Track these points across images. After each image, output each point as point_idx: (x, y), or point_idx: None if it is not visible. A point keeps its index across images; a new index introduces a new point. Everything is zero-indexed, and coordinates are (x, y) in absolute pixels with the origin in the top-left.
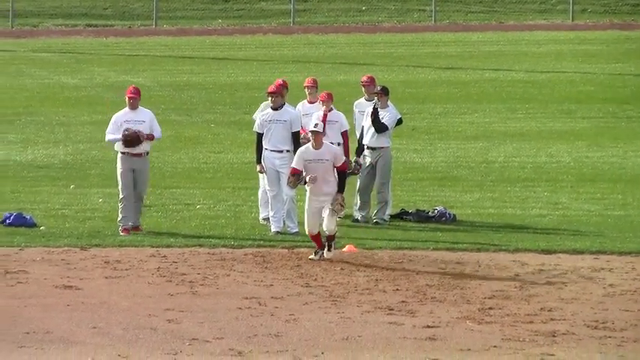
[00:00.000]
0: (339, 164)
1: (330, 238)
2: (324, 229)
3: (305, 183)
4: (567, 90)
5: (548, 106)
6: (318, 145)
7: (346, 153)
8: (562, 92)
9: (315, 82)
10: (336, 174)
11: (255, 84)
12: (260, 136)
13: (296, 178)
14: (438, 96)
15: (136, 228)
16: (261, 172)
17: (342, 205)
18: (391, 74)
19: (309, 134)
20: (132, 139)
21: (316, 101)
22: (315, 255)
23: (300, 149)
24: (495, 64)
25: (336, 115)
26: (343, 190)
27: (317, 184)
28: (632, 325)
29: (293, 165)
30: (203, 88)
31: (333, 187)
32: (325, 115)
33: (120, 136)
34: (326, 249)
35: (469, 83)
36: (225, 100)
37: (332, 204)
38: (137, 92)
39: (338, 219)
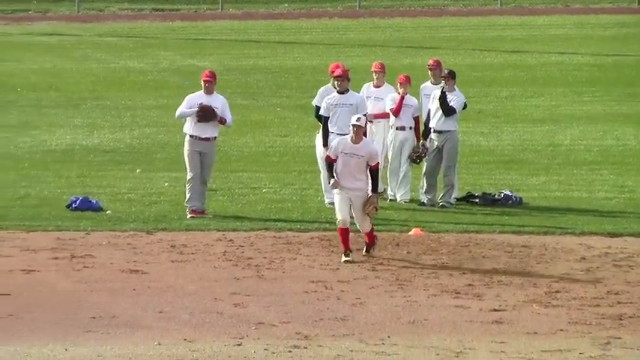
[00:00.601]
0: (373, 163)
1: (370, 243)
2: (359, 228)
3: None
4: (634, 73)
5: (614, 89)
6: (357, 140)
7: (417, 137)
8: (628, 75)
9: (382, 66)
10: (368, 173)
11: (321, 68)
12: (326, 119)
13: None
14: (504, 79)
15: (201, 212)
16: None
17: (376, 209)
18: (457, 58)
19: (351, 127)
20: (206, 113)
21: (382, 85)
22: (345, 256)
23: (338, 139)
24: (561, 47)
25: (411, 99)
26: (377, 190)
27: (347, 179)
28: None
29: (328, 153)
30: (269, 72)
31: (362, 184)
32: (402, 98)
33: (194, 109)
34: (364, 249)
35: (535, 66)
36: (291, 84)
37: (366, 207)
38: (213, 76)
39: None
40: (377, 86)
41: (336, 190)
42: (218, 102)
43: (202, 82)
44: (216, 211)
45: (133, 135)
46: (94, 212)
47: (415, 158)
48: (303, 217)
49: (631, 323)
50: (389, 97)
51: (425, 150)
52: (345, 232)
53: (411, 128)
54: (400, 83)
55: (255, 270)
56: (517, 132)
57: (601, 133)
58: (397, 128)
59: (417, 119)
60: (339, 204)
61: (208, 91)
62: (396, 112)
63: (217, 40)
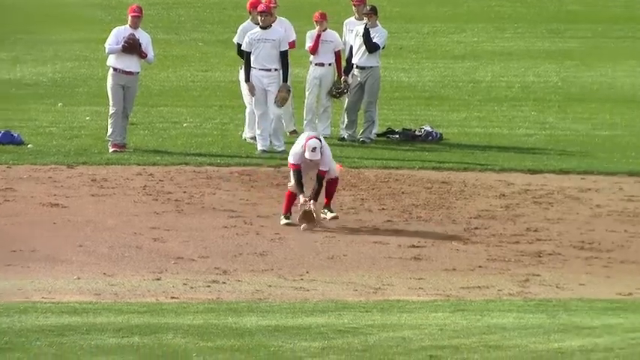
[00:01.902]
0: (323, 169)
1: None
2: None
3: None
4: (556, 9)
5: (537, 26)
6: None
7: (339, 72)
8: (551, 12)
9: (322, 16)
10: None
11: (243, 3)
12: (248, 54)
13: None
14: (425, 15)
15: (122, 146)
16: (251, 91)
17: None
18: None
19: (307, 153)
20: (132, 45)
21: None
22: (285, 219)
23: (298, 151)
24: None
25: (331, 34)
26: (316, 198)
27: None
28: (619, 246)
29: (292, 162)
30: (191, 6)
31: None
32: (319, 36)
33: (120, 46)
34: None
35: (457, 2)
36: (213, 19)
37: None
38: (140, 11)
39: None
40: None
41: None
42: (143, 38)
43: (129, 17)
44: (137, 145)
45: (55, 69)
46: (15, 146)
47: (336, 93)
48: (223, 151)
49: (550, 260)
50: (307, 34)
51: (347, 86)
52: (291, 197)
53: (330, 64)
54: (316, 21)
55: (175, 205)
56: (438, 68)
57: (522, 70)
58: (316, 64)
59: (338, 54)
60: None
61: (135, 25)
62: (313, 50)
63: None
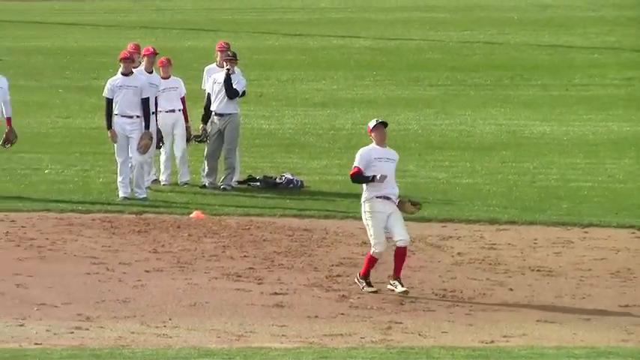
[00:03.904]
0: None
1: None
2: (400, 238)
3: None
4: (415, 57)
5: (396, 74)
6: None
7: (186, 118)
8: (410, 60)
9: (227, 45)
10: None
11: (103, 49)
12: (110, 101)
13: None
14: (285, 62)
15: None
16: (113, 139)
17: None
18: (238, 40)
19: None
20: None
21: (168, 76)
22: (370, 287)
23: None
24: (343, 30)
25: (175, 81)
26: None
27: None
28: (480, 294)
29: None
30: (51, 53)
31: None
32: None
33: None
34: (399, 285)
35: (317, 50)
36: (73, 66)
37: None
38: None
39: None
40: (165, 77)
41: (370, 215)
42: (2, 82)
43: None
44: None
45: None
46: None
47: (196, 141)
48: (85, 198)
49: (412, 308)
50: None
51: (205, 133)
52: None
53: (180, 110)
54: (161, 67)
55: (37, 251)
56: (298, 115)
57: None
58: (166, 111)
59: (183, 100)
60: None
61: None
62: None
63: None
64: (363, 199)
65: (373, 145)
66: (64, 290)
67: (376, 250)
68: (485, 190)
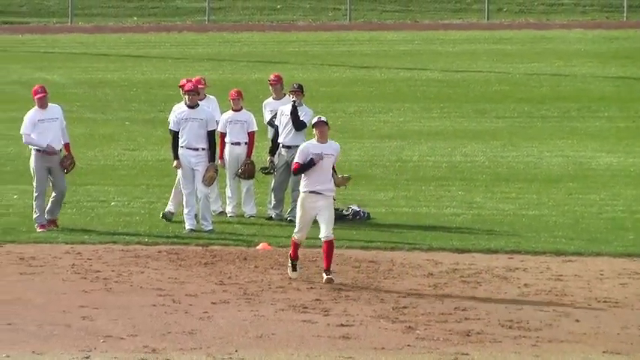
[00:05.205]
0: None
1: (328, 263)
2: (323, 235)
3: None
4: (482, 89)
5: (463, 106)
6: (323, 139)
7: (249, 153)
8: (477, 92)
9: (278, 77)
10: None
11: (170, 82)
12: (176, 134)
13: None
14: (352, 95)
15: (53, 222)
16: (178, 168)
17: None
18: (305, 73)
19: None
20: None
21: (282, 97)
22: (293, 271)
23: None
24: (410, 63)
25: (244, 114)
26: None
27: (317, 179)
28: (547, 325)
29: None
30: (118, 85)
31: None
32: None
33: (42, 143)
34: (325, 275)
35: (384, 82)
36: (139, 98)
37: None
38: (44, 90)
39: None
40: (277, 99)
41: (299, 204)
42: (57, 112)
43: (36, 100)
44: (65, 223)
45: None
46: None
47: (241, 174)
48: (151, 230)
49: (478, 339)
50: (222, 117)
51: (273, 166)
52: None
53: (245, 143)
54: (232, 99)
55: (104, 283)
56: (365, 148)
57: (449, 150)
58: (232, 143)
59: (251, 134)
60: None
61: (43, 106)
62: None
63: (66, 54)
64: (300, 189)
65: (313, 140)
66: (130, 322)
67: (296, 237)
68: (552, 222)
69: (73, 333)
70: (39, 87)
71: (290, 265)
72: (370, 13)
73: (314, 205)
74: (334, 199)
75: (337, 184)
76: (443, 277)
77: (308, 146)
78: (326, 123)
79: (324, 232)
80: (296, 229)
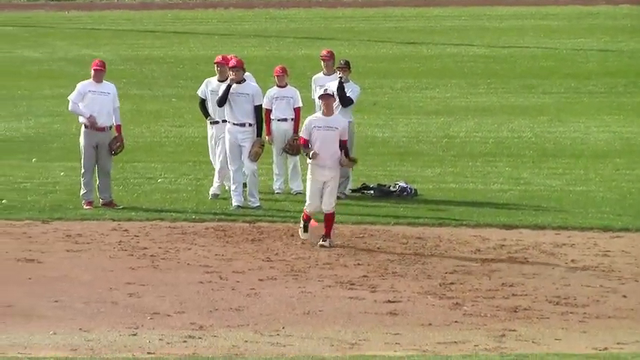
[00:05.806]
0: (344, 138)
1: (328, 231)
2: (324, 207)
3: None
4: (529, 65)
5: (510, 82)
6: (329, 112)
7: (296, 129)
8: (524, 67)
9: (330, 53)
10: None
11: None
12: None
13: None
14: (399, 71)
15: (109, 203)
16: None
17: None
18: (352, 49)
19: (319, 100)
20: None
21: (333, 73)
22: (305, 232)
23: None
24: (457, 38)
25: (289, 90)
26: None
27: (323, 153)
28: (594, 301)
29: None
30: (164, 62)
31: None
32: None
33: (85, 112)
34: (320, 240)
35: (430, 58)
36: (186, 75)
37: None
38: (103, 65)
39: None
40: (327, 74)
41: (309, 179)
42: (110, 88)
43: (92, 71)
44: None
45: (29, 124)
46: None
47: (288, 150)
48: (198, 207)
49: (526, 315)
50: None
51: None
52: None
53: (292, 119)
54: (277, 76)
55: (150, 260)
56: (412, 124)
57: (496, 125)
58: (279, 120)
59: (297, 110)
60: (314, 196)
61: (98, 80)
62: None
63: (113, 30)
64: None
65: (319, 113)
66: (177, 299)
67: (308, 210)
68: (599, 198)
69: (120, 310)
70: (99, 61)
71: (302, 225)
72: None
73: (320, 176)
74: (348, 177)
75: (341, 164)
76: (490, 253)
77: (311, 120)
78: (331, 95)
79: (326, 205)
80: (307, 202)
